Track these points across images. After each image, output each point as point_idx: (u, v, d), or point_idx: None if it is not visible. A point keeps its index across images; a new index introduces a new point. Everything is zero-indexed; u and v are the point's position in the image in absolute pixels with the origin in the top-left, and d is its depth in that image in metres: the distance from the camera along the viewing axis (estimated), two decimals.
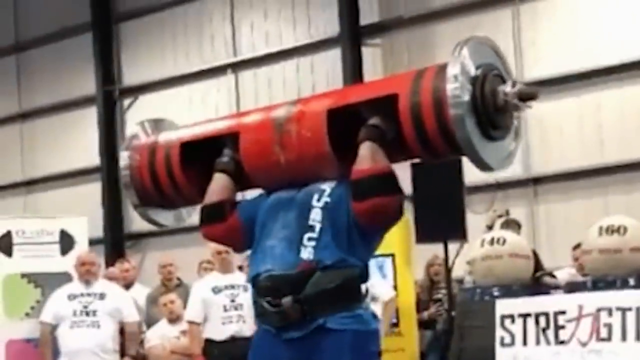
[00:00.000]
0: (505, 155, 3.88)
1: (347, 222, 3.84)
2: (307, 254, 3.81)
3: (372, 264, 8.95)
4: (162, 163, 4.31)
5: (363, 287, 3.91)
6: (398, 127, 3.76)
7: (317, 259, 3.79)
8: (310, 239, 3.83)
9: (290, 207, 3.94)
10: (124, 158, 4.46)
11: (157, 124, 4.57)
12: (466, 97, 3.64)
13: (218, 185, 4.09)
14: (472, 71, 3.70)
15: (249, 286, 4.03)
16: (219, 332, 7.95)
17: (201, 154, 4.23)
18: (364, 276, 3.90)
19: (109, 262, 12.68)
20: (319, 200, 3.89)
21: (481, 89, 3.69)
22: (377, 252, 9.83)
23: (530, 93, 3.74)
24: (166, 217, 4.59)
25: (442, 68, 3.73)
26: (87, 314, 8.43)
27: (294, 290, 3.76)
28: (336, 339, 3.77)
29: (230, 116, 4.59)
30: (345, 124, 3.87)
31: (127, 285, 10.09)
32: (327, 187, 3.92)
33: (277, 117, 4.00)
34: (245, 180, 4.14)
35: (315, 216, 3.86)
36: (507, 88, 3.73)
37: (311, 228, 3.85)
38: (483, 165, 3.76)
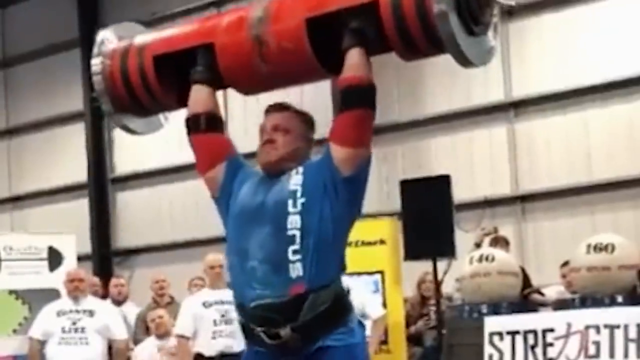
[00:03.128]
0: (486, 51, 3.88)
1: (325, 188, 3.74)
2: (296, 271, 3.68)
3: (363, 281, 8.97)
4: (136, 73, 4.29)
5: (345, 287, 3.83)
6: (379, 26, 3.74)
7: (307, 278, 3.68)
8: (294, 252, 3.69)
9: (262, 221, 3.78)
10: (95, 64, 4.44)
11: (124, 29, 4.62)
12: None
13: (198, 96, 4.06)
14: None
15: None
16: (209, 346, 7.94)
17: (176, 62, 4.21)
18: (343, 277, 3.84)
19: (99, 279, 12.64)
20: (294, 205, 3.74)
21: None
22: (368, 270, 9.80)
23: None
24: (142, 125, 4.55)
25: None
26: (76, 330, 8.40)
27: (290, 318, 3.67)
28: (331, 356, 3.73)
29: (202, 21, 4.50)
30: (324, 28, 3.86)
31: (120, 302, 10.09)
32: (296, 186, 3.77)
33: (254, 26, 3.96)
34: (225, 84, 4.15)
35: (293, 224, 3.72)
36: None
37: (292, 239, 3.70)
38: (465, 61, 3.75)
